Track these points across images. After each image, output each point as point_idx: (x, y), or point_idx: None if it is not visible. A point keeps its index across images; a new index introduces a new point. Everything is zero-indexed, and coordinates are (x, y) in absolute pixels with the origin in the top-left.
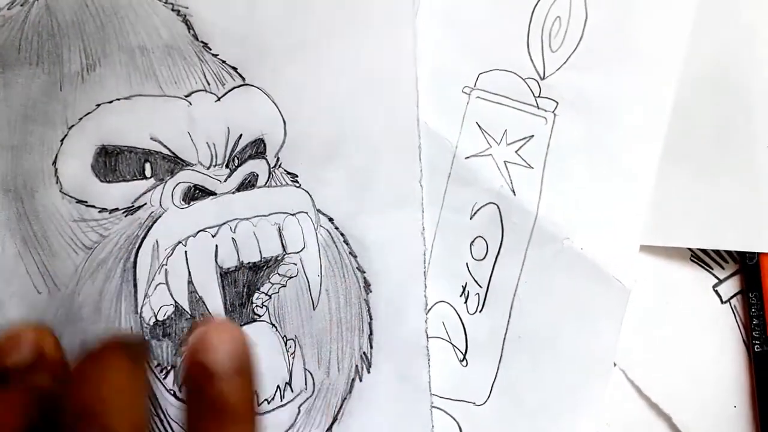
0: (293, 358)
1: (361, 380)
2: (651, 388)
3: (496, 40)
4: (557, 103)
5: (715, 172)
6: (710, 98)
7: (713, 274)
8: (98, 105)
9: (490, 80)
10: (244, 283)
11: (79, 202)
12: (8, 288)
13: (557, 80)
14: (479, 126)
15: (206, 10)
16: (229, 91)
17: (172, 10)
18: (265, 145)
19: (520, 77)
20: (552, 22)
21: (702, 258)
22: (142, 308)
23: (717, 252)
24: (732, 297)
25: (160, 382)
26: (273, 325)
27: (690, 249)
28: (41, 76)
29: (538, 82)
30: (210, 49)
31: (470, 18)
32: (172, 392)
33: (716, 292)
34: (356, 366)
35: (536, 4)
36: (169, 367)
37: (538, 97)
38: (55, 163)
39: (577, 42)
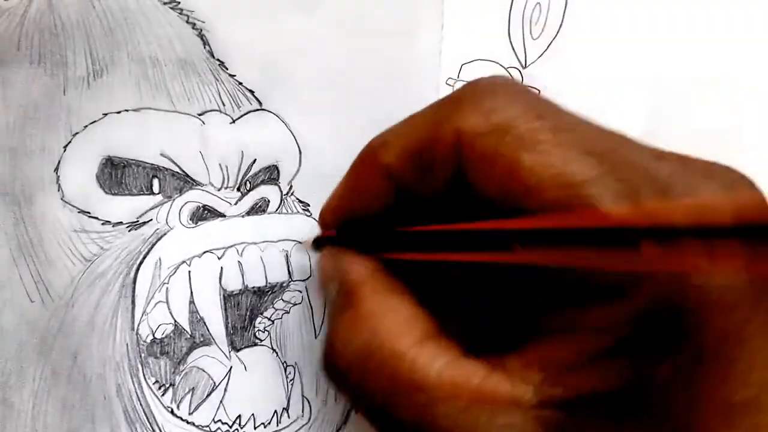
0: (292, 384)
1: (356, 411)
2: None
3: (477, 29)
4: (539, 91)
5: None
6: (695, 90)
7: None
8: (105, 114)
9: (473, 71)
10: (248, 307)
11: (82, 212)
12: (1, 295)
13: (539, 69)
14: None
15: (225, 29)
16: (245, 114)
17: (187, 22)
18: (278, 172)
19: (502, 66)
20: (532, 9)
21: None
22: (139, 325)
23: None
24: None
25: (158, 399)
26: (274, 350)
27: None
28: (43, 78)
29: (520, 71)
30: (227, 69)
31: (451, 8)
32: (169, 410)
33: None
34: None
35: None
36: (167, 385)
37: None
38: (57, 170)
39: (557, 29)
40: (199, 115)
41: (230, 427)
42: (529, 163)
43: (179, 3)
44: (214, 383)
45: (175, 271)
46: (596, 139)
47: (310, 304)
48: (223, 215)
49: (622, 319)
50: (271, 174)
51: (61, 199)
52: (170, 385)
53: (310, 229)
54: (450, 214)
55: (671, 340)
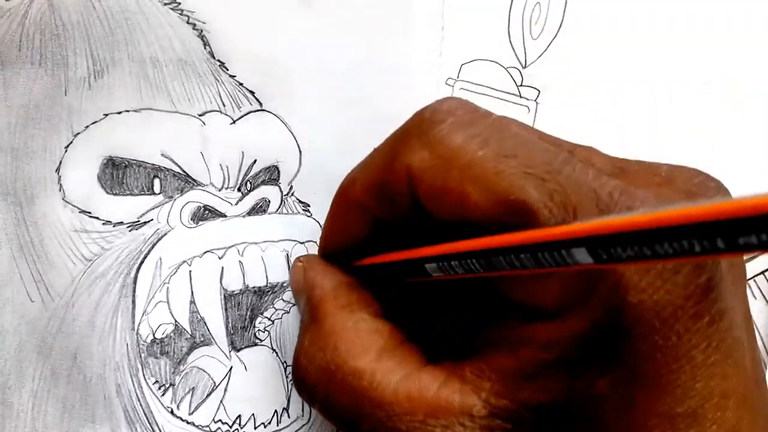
0: (292, 384)
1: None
2: None
3: (477, 29)
4: (539, 91)
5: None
6: (695, 90)
7: None
8: (106, 114)
9: (473, 71)
10: (248, 307)
11: (83, 212)
12: (1, 294)
13: (538, 68)
14: None
15: (226, 29)
16: (245, 114)
17: (188, 23)
18: (279, 173)
19: (502, 66)
20: (532, 9)
21: None
22: (139, 325)
23: None
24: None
25: (158, 399)
26: (274, 350)
27: None
28: (44, 78)
29: (519, 71)
30: (227, 69)
31: (451, 8)
32: (169, 410)
33: None
34: None
35: None
36: (167, 385)
37: (521, 86)
38: (58, 170)
39: (557, 29)
40: (200, 115)
41: (230, 427)
42: (474, 195)
43: (180, 4)
44: (214, 383)
45: (175, 271)
46: (541, 161)
47: None
48: (223, 215)
49: (563, 336)
50: (272, 174)
51: (63, 199)
52: (170, 385)
53: (311, 229)
54: (424, 233)
55: (610, 356)
